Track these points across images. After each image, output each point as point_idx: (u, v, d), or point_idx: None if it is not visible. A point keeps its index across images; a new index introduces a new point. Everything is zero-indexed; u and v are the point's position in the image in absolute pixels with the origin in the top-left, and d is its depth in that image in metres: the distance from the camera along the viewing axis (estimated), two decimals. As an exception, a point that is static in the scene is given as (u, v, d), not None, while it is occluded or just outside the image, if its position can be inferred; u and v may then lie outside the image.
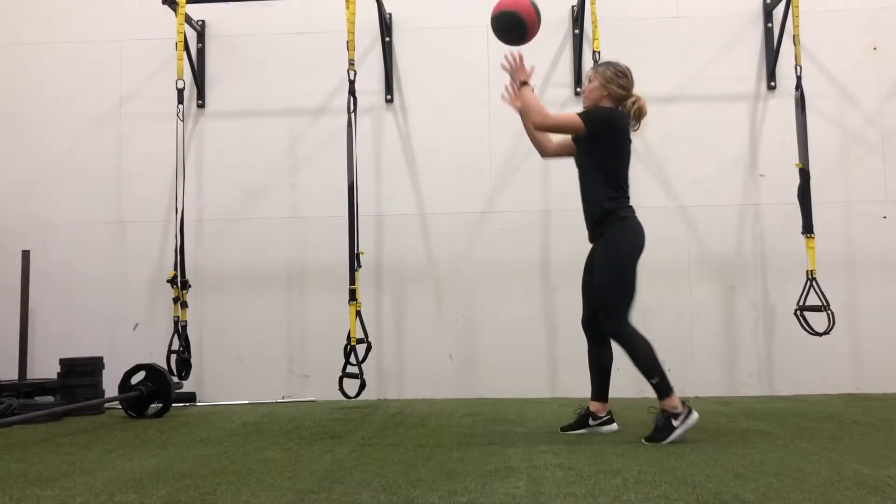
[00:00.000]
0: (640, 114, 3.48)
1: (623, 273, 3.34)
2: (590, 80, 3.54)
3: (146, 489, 2.54)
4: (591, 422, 3.53)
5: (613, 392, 3.92)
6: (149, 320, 5.19)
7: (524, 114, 3.50)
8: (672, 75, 5.12)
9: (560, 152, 3.68)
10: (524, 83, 3.45)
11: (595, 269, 3.43)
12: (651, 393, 3.33)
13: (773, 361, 4.98)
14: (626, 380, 4.84)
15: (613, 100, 3.47)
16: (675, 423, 3.20)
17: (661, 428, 3.22)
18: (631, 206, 3.45)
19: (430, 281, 5.14)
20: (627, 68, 3.51)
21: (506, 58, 3.50)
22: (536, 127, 3.51)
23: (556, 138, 3.67)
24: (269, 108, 5.31)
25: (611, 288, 3.35)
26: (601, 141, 3.40)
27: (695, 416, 3.23)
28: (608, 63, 3.54)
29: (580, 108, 3.40)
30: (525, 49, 3.51)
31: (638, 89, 3.51)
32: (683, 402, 3.26)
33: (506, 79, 3.52)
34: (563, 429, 3.57)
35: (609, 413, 3.56)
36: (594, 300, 3.46)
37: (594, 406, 3.55)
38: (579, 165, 3.56)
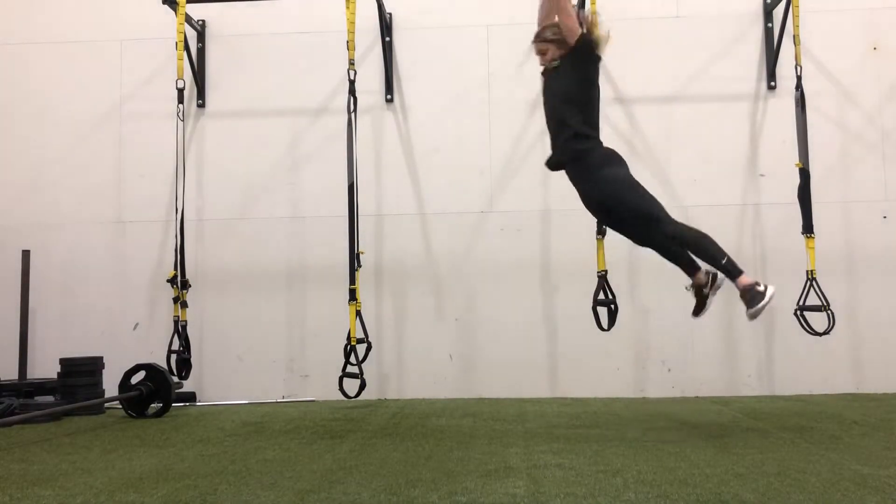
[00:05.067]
0: (594, 25, 3.55)
1: (633, 181, 3.42)
2: (542, 54, 3.57)
3: (146, 489, 2.54)
4: (706, 291, 3.59)
5: (613, 392, 3.93)
6: (149, 320, 5.19)
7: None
8: (672, 75, 5.11)
9: None
10: None
11: (608, 192, 3.44)
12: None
13: (773, 361, 4.98)
14: (627, 380, 4.90)
15: (563, 45, 3.51)
16: (759, 288, 3.29)
17: (753, 297, 3.30)
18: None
19: (430, 281, 5.14)
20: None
21: None
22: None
23: None
24: (269, 108, 5.31)
25: (638, 198, 3.41)
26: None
27: (773, 288, 3.30)
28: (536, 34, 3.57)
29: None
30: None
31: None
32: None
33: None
34: (695, 313, 3.68)
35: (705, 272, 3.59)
36: (627, 221, 3.49)
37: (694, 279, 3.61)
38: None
